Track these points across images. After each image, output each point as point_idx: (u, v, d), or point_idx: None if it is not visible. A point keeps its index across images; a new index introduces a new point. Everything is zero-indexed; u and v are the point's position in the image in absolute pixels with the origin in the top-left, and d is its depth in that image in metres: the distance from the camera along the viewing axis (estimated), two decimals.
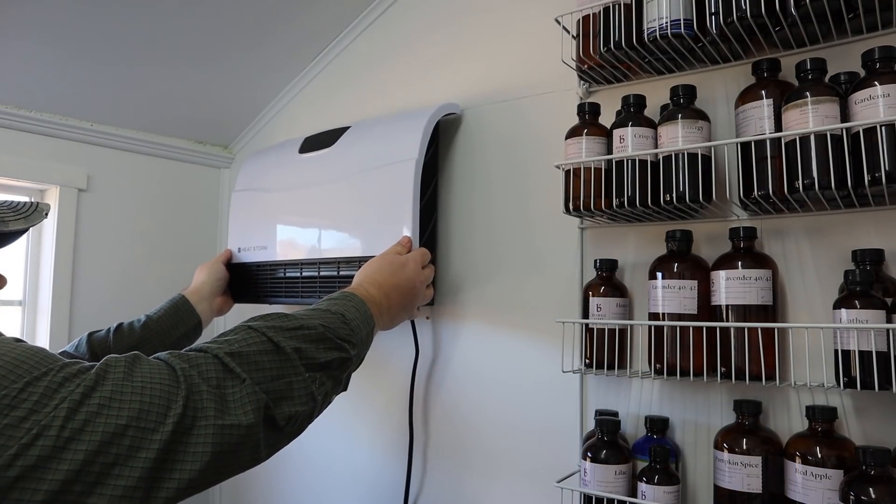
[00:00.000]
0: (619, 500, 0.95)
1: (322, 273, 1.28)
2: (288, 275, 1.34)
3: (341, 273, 1.23)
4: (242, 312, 1.22)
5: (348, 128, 1.35)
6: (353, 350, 0.73)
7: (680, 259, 0.97)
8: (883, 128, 0.78)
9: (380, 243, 1.12)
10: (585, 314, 1.06)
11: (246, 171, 1.54)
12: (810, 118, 0.82)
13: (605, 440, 0.99)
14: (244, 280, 1.42)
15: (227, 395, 0.57)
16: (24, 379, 0.49)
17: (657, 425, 0.99)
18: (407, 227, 1.14)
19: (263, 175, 1.47)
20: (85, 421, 0.49)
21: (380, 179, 1.22)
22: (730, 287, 0.90)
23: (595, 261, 1.08)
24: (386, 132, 1.28)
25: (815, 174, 0.82)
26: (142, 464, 0.50)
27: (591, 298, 1.05)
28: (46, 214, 0.73)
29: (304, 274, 1.31)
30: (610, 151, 1.01)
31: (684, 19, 0.94)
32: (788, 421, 0.94)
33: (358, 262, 1.19)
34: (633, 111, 1.01)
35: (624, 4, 1.00)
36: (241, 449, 0.57)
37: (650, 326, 0.98)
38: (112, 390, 0.51)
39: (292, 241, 1.36)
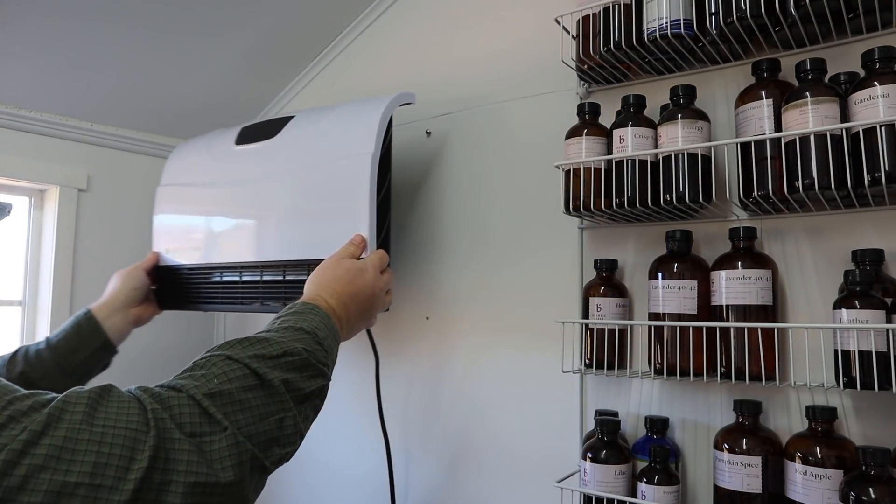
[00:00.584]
0: (619, 500, 0.95)
1: (265, 277, 1.14)
2: (225, 279, 1.21)
3: (287, 277, 1.12)
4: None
5: (291, 117, 1.22)
6: (330, 374, 0.66)
7: (680, 259, 0.97)
8: (883, 128, 0.78)
9: (331, 245, 1.01)
10: (585, 314, 1.06)
11: (173, 164, 1.38)
12: (810, 118, 0.82)
13: (605, 440, 0.99)
14: (174, 284, 1.28)
15: (205, 445, 0.48)
16: None
17: (657, 425, 0.99)
18: (364, 228, 1.04)
19: (194, 168, 1.32)
20: (24, 477, 0.39)
21: (331, 175, 1.10)
22: (730, 287, 0.90)
23: (595, 261, 1.08)
24: (336, 123, 1.16)
25: (815, 174, 0.82)
26: None
27: (591, 298, 1.05)
28: (9, 213, 0.69)
29: (244, 278, 1.18)
30: (610, 151, 1.01)
31: (684, 19, 0.94)
32: (788, 421, 0.94)
33: (307, 265, 1.08)
34: (633, 111, 1.01)
35: (624, 4, 1.00)
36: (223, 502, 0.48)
37: (650, 326, 0.98)
38: (65, 437, 0.42)
39: (230, 242, 1.22)
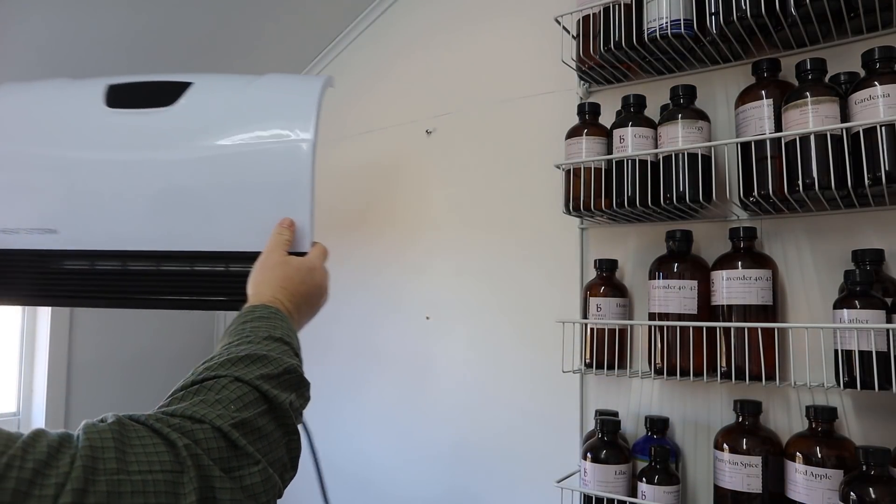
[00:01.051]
0: (619, 500, 0.95)
1: (164, 267, 0.99)
2: (100, 268, 1.02)
3: (197, 268, 0.99)
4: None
5: (188, 83, 1.04)
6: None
7: (680, 259, 0.97)
8: (883, 128, 0.78)
9: (258, 239, 0.92)
10: (585, 314, 1.06)
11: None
12: (810, 118, 0.82)
13: (605, 440, 0.99)
14: (14, 272, 1.06)
15: (244, 480, 0.46)
16: None
17: (657, 425, 0.99)
18: (304, 221, 0.96)
19: (41, 127, 1.08)
20: None
21: (263, 162, 0.99)
22: (730, 287, 0.90)
23: (595, 261, 1.08)
24: (261, 101, 1.04)
25: (815, 174, 0.82)
26: None
27: (590, 298, 1.05)
28: None
29: (129, 268, 1.02)
30: (610, 151, 1.01)
31: (684, 19, 0.94)
32: (788, 421, 0.94)
33: (224, 258, 0.99)
34: (633, 111, 1.01)
35: (624, 4, 1.00)
36: None
37: (650, 326, 0.98)
38: (108, 492, 0.38)
39: (109, 225, 1.03)
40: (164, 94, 1.04)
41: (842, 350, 0.81)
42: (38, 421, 1.54)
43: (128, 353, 1.15)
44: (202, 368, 0.53)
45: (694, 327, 0.92)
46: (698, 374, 0.92)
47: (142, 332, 1.19)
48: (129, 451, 0.41)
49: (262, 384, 0.52)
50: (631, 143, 0.98)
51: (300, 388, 0.58)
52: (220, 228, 1.00)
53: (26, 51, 1.34)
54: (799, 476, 0.82)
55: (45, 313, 1.53)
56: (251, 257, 0.83)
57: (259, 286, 0.75)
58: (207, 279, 0.93)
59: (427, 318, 1.37)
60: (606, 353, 1.02)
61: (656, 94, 1.07)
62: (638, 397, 1.08)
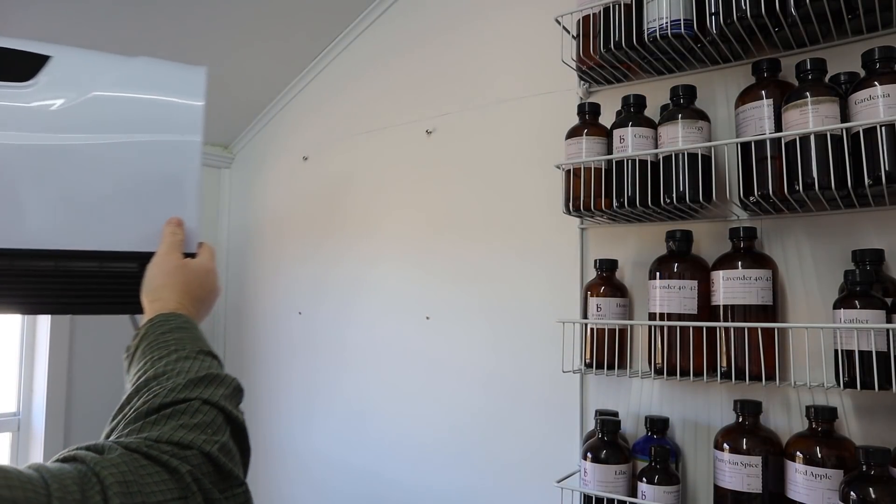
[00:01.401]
0: (619, 500, 0.95)
1: (18, 265, 0.85)
2: None
3: (60, 266, 0.87)
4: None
5: (47, 57, 0.90)
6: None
7: (680, 259, 0.97)
8: (883, 128, 0.78)
9: (133, 238, 0.84)
10: (585, 314, 1.06)
11: None
12: (810, 118, 0.82)
13: (605, 440, 0.99)
14: None
15: (237, 499, 0.48)
16: None
17: (657, 425, 0.99)
18: (192, 221, 0.89)
19: None
20: None
21: (145, 156, 0.91)
22: (730, 287, 0.90)
23: (595, 261, 1.08)
24: (141, 90, 0.94)
25: (815, 174, 0.82)
26: None
27: (590, 298, 1.05)
28: None
29: None
30: (610, 151, 1.01)
31: (684, 19, 0.94)
32: (788, 421, 0.94)
33: (92, 256, 0.87)
34: (633, 111, 1.01)
35: (624, 4, 1.00)
36: None
37: (650, 326, 0.98)
38: None
39: None
40: (16, 65, 0.89)
41: (842, 350, 0.81)
42: (39, 421, 1.54)
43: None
44: (166, 390, 0.52)
45: (694, 327, 0.92)
46: (698, 374, 0.92)
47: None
48: (143, 482, 0.42)
49: (225, 406, 0.53)
50: (631, 143, 0.98)
51: (240, 398, 0.58)
52: (95, 226, 0.89)
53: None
54: (799, 476, 0.82)
55: (44, 316, 1.53)
56: (128, 257, 0.78)
57: (160, 291, 0.71)
58: (80, 279, 0.85)
59: (427, 318, 1.37)
60: (606, 353, 1.02)
61: (656, 94, 1.07)
62: (638, 397, 1.08)
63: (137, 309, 0.75)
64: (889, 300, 0.81)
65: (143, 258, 0.77)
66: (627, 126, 0.99)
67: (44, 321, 1.52)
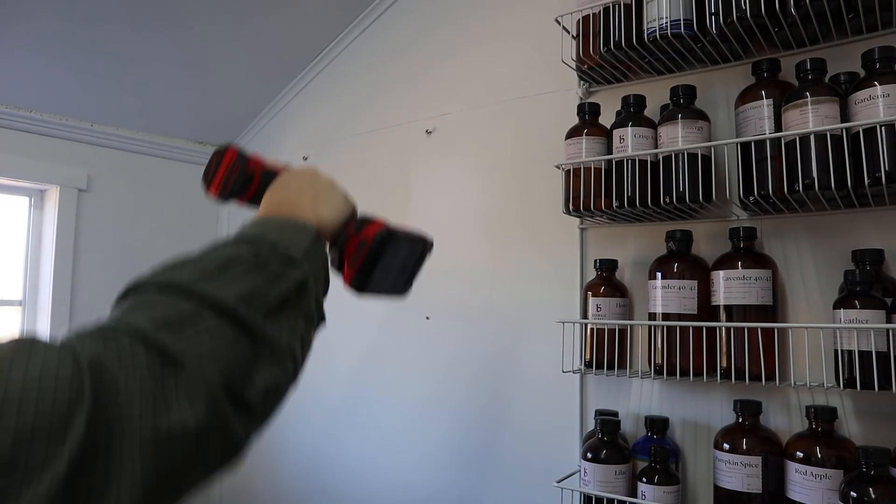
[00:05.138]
0: (619, 500, 0.95)
1: None
2: None
3: None
4: None
5: None
6: (301, 267, 0.50)
7: (680, 259, 0.97)
8: (883, 128, 0.78)
9: None
10: (585, 314, 1.06)
11: None
12: (810, 118, 0.82)
13: (605, 440, 0.99)
14: None
15: (166, 387, 0.38)
16: None
17: (657, 425, 0.99)
18: None
19: None
20: None
21: None
22: (730, 287, 0.90)
23: (595, 261, 1.08)
24: None
25: (815, 174, 0.82)
26: None
27: (591, 298, 1.05)
28: None
29: None
30: (610, 151, 1.01)
31: (684, 19, 0.94)
32: (788, 421, 0.94)
33: None
34: (633, 111, 1.01)
35: (624, 4, 1.00)
36: (199, 455, 0.39)
37: (650, 326, 0.98)
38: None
39: None
40: None
41: (842, 350, 0.81)
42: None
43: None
44: (156, 270, 0.45)
45: (694, 327, 0.92)
46: (698, 374, 0.92)
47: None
48: (17, 368, 0.35)
49: (193, 286, 0.45)
50: (631, 143, 0.98)
51: (260, 275, 0.48)
52: None
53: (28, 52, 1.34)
54: (799, 476, 0.82)
55: (44, 313, 1.53)
56: None
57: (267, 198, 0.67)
58: None
59: (427, 318, 1.37)
60: (606, 353, 1.02)
61: (656, 94, 1.07)
62: (638, 397, 1.08)
63: None
64: (889, 300, 0.81)
65: None
66: (627, 126, 0.99)
67: (43, 319, 1.52)
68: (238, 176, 0.75)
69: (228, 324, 0.42)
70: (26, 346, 0.35)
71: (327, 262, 0.60)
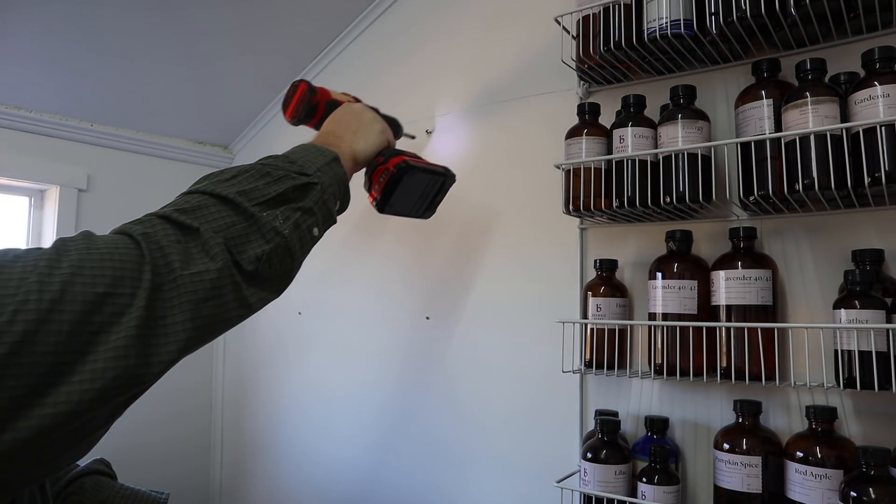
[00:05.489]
0: (619, 500, 0.95)
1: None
2: None
3: None
4: None
5: None
6: (311, 178, 0.68)
7: (680, 259, 0.97)
8: (883, 128, 0.78)
9: None
10: (585, 314, 1.06)
11: None
12: (810, 118, 0.82)
13: (605, 440, 0.99)
14: None
15: (190, 248, 0.54)
16: None
17: (657, 425, 0.99)
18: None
19: None
20: (62, 290, 0.44)
21: None
22: (730, 287, 0.90)
23: (595, 261, 1.08)
24: None
25: (815, 174, 0.82)
26: (125, 331, 0.46)
27: (591, 298, 1.05)
28: None
29: None
30: (610, 151, 1.01)
31: (684, 19, 0.94)
32: (788, 421, 0.94)
33: None
34: (633, 111, 1.01)
35: (624, 4, 1.00)
36: (221, 294, 0.54)
37: (650, 326, 0.98)
38: (80, 259, 0.47)
39: None
40: None
41: (842, 350, 0.81)
42: None
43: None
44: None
45: (694, 327, 0.92)
46: (698, 374, 0.92)
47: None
48: (95, 240, 0.51)
49: (206, 188, 0.62)
50: (631, 143, 0.98)
51: (263, 179, 0.64)
52: None
53: (25, 53, 1.34)
54: (799, 476, 0.82)
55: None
56: None
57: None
58: None
59: (427, 318, 1.37)
60: (606, 353, 1.02)
61: (656, 94, 1.07)
62: (638, 397, 1.08)
63: None
64: (889, 300, 0.81)
65: None
66: (627, 126, 0.99)
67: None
68: (305, 106, 0.95)
69: (229, 209, 0.59)
70: (87, 232, 0.52)
71: (344, 179, 0.75)
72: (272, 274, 0.60)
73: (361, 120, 0.91)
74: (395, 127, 1.07)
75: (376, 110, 0.99)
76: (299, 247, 0.64)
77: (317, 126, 0.96)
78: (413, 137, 1.39)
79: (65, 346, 0.43)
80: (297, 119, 0.98)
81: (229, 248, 0.56)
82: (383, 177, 0.90)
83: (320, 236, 0.68)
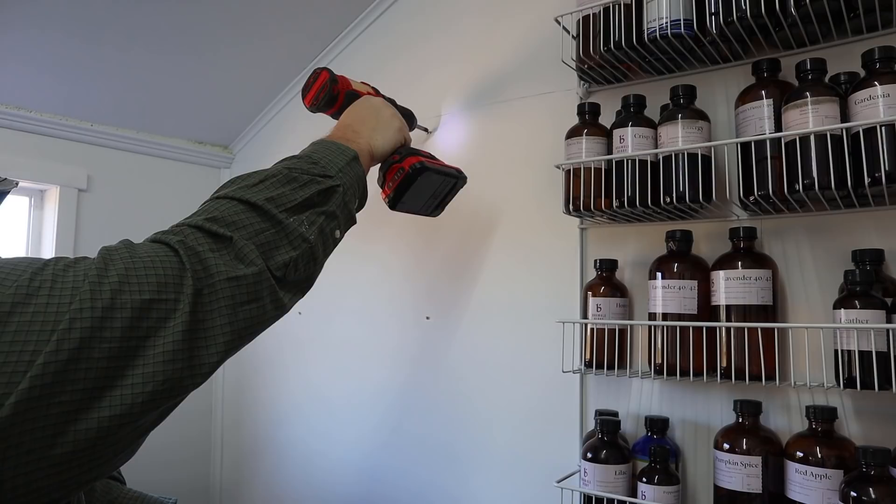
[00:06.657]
0: (619, 500, 0.95)
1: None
2: None
3: None
4: None
5: None
6: (334, 180, 0.69)
7: (680, 259, 0.97)
8: (883, 128, 0.78)
9: None
10: (585, 314, 1.06)
11: None
12: (810, 118, 0.82)
13: (605, 440, 0.99)
14: None
15: (224, 255, 0.56)
16: (30, 270, 0.46)
17: (657, 425, 0.99)
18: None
19: None
20: (112, 298, 0.46)
21: None
22: (730, 287, 0.90)
23: (595, 261, 1.08)
24: None
25: (815, 174, 0.82)
26: (172, 335, 0.49)
27: (591, 298, 1.05)
28: (17, 184, 0.70)
29: None
30: (610, 151, 1.01)
31: (684, 19, 0.94)
32: (788, 421, 0.94)
33: None
34: (633, 111, 1.01)
35: (624, 4, 1.00)
36: (260, 297, 0.57)
37: (650, 326, 0.98)
38: (126, 267, 0.49)
39: None
40: None
41: (842, 350, 0.81)
42: None
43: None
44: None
45: (694, 327, 0.92)
46: (698, 374, 0.92)
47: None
48: (137, 249, 0.53)
49: (234, 194, 0.63)
50: (631, 143, 0.98)
51: (289, 185, 0.65)
52: None
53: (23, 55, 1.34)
54: (799, 476, 0.82)
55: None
56: None
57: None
58: None
59: (427, 318, 1.37)
60: (606, 353, 1.02)
61: (656, 94, 1.07)
62: (638, 397, 1.08)
63: None
64: (889, 300, 0.81)
65: None
66: (627, 126, 0.99)
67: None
68: (326, 94, 0.96)
69: (258, 216, 0.60)
70: (128, 241, 0.54)
71: (363, 178, 0.76)
72: (298, 278, 0.63)
73: (380, 117, 0.91)
74: (409, 119, 1.08)
75: (393, 102, 0.99)
76: (322, 251, 0.66)
77: (335, 115, 0.96)
78: (426, 130, 1.39)
79: (117, 352, 0.46)
80: (316, 107, 0.98)
81: (261, 253, 0.58)
82: (398, 175, 0.91)
83: (342, 238, 0.70)
